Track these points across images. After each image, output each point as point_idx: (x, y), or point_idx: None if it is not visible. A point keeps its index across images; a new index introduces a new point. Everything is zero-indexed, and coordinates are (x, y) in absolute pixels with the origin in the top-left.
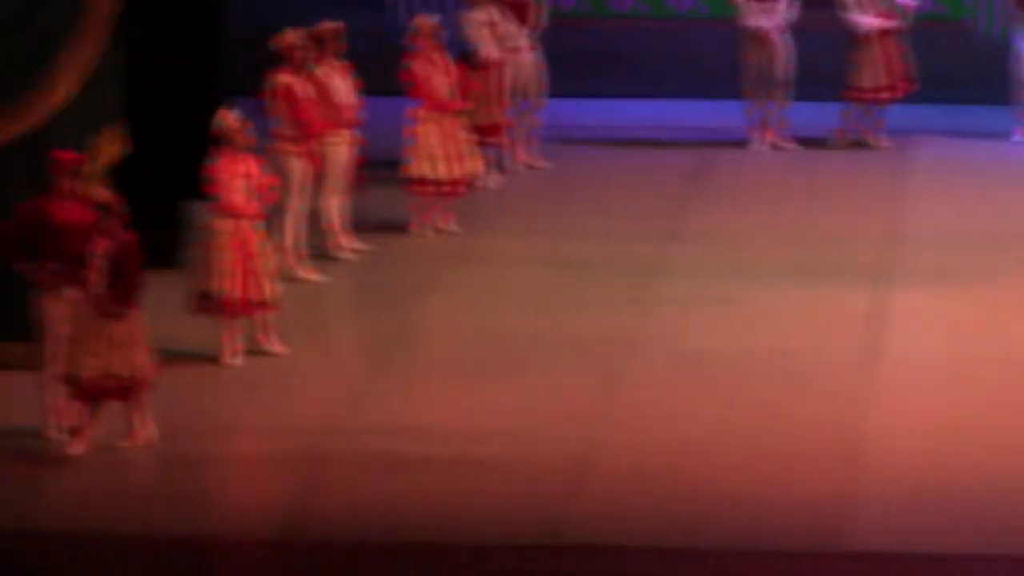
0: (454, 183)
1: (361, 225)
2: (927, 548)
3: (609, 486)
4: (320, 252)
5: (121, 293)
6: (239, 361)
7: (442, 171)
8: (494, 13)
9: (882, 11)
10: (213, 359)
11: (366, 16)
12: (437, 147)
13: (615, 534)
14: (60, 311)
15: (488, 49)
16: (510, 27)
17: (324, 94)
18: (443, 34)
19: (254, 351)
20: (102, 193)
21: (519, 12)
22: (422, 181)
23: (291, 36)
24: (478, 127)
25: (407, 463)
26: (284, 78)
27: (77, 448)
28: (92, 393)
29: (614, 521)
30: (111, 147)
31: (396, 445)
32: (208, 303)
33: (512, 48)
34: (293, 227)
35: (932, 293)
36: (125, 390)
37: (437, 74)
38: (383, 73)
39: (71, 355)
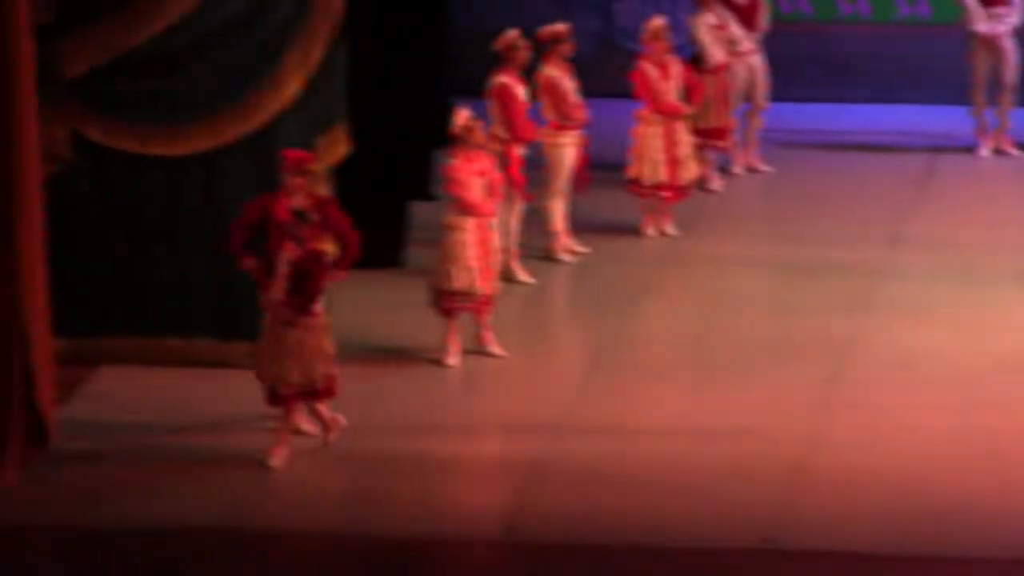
0: (673, 188)
1: (582, 227)
2: None
3: (826, 491)
4: (540, 254)
5: (298, 301)
6: (457, 361)
7: (662, 174)
8: (722, 16)
9: None
10: (432, 359)
11: (592, 19)
12: (659, 150)
13: (832, 539)
14: None
15: (716, 52)
16: (737, 30)
17: (556, 95)
18: (671, 36)
19: (472, 351)
20: (318, 194)
21: (746, 15)
22: (640, 183)
23: (511, 37)
24: (703, 130)
25: (624, 464)
26: (502, 78)
27: (276, 460)
28: (272, 399)
29: (830, 526)
30: (336, 147)
31: (613, 446)
32: (449, 301)
33: (739, 52)
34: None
35: None
36: (301, 397)
37: (664, 77)
38: (608, 76)
39: (257, 359)
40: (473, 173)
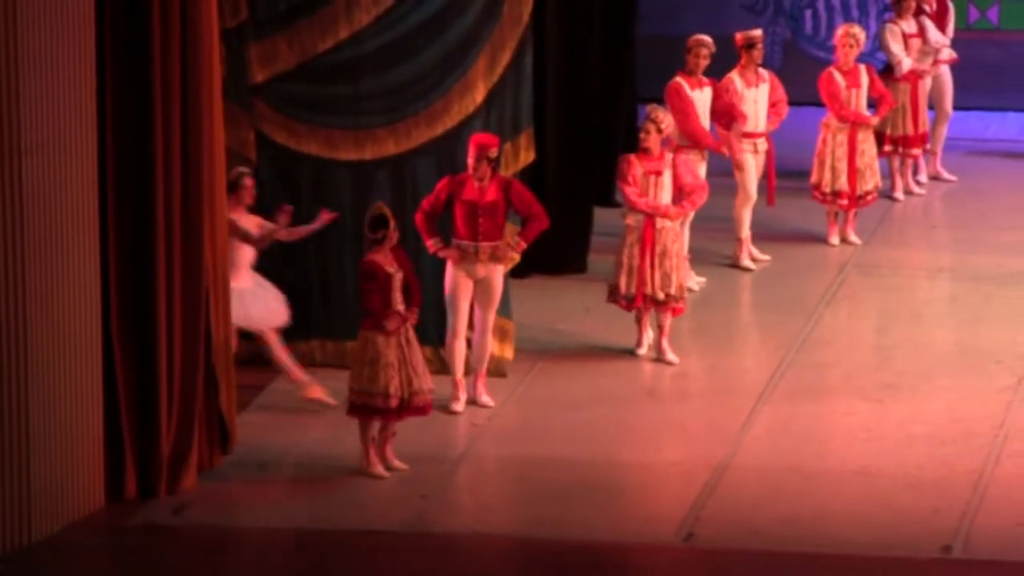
0: (853, 196)
1: (766, 234)
2: None
3: (1009, 503)
4: (724, 260)
5: (363, 312)
6: (646, 353)
7: (843, 182)
8: (919, 24)
9: None
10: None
11: (782, 26)
12: (841, 158)
13: (1016, 551)
14: (468, 285)
15: (907, 61)
16: (937, 37)
17: (730, 101)
18: (861, 44)
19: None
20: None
21: (938, 23)
22: (821, 190)
23: (692, 40)
24: (893, 138)
25: (803, 472)
26: (677, 81)
27: (376, 468)
28: (350, 409)
29: (1015, 538)
30: (522, 153)
31: (793, 455)
32: (619, 298)
33: (932, 61)
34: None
35: None
36: (377, 411)
37: (851, 85)
38: (795, 82)
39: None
40: (646, 172)
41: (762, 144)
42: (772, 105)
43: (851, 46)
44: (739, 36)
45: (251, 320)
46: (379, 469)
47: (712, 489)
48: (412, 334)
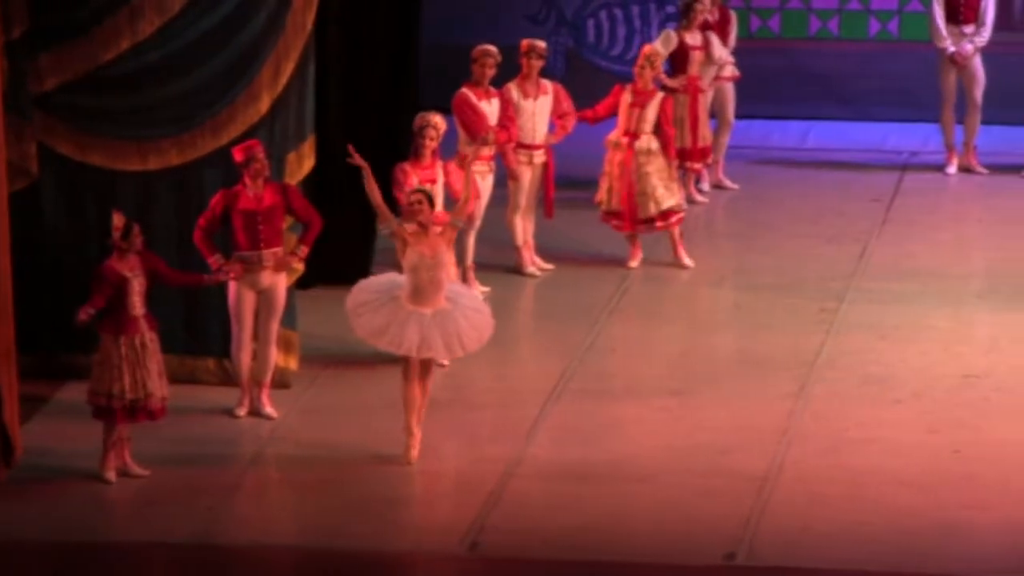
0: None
1: (550, 244)
2: None
3: (794, 507)
4: (508, 268)
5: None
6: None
7: (622, 205)
8: (702, 37)
9: None
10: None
11: (564, 36)
12: (618, 178)
13: (798, 556)
14: (251, 296)
15: (684, 75)
16: (720, 50)
17: (511, 111)
18: (662, 64)
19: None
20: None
21: (721, 32)
22: (607, 210)
23: (477, 51)
24: (680, 151)
25: (590, 479)
26: (464, 92)
27: (105, 472)
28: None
29: (796, 543)
30: (305, 162)
31: (581, 462)
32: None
33: (714, 76)
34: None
35: None
36: (102, 411)
37: (636, 104)
38: (577, 92)
39: None
40: (422, 180)
41: (539, 156)
42: (559, 117)
43: (651, 66)
44: (525, 44)
45: None
46: (108, 474)
47: (498, 497)
48: (151, 339)
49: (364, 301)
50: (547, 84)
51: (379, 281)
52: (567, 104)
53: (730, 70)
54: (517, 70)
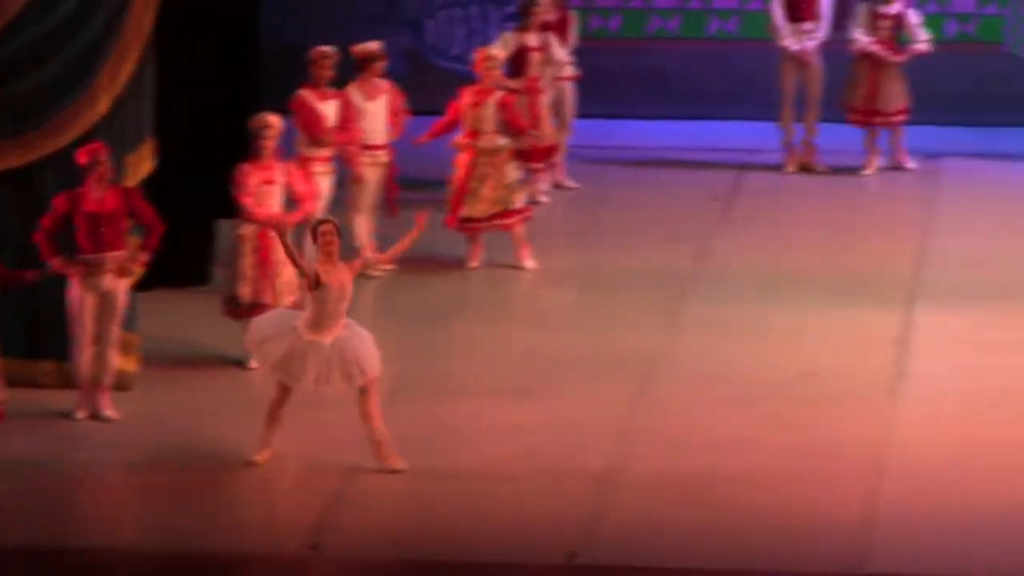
0: (490, 219)
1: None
2: (952, 571)
3: (634, 506)
4: None
5: None
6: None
7: (478, 209)
8: (541, 38)
9: (886, 37)
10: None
11: (404, 36)
12: (474, 179)
13: (639, 555)
14: (91, 299)
15: (523, 76)
16: (559, 51)
17: (351, 113)
18: (500, 64)
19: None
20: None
21: (555, 32)
22: (458, 216)
23: (315, 52)
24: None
25: (429, 478)
26: (303, 93)
27: None
28: None
29: (638, 542)
30: (144, 163)
31: (419, 460)
32: (235, 307)
33: (553, 76)
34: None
35: (959, 314)
36: None
37: (479, 103)
38: (418, 93)
39: None
40: (264, 182)
41: (382, 156)
42: (393, 115)
43: (492, 67)
44: (357, 50)
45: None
46: None
47: (340, 498)
48: None
49: (265, 336)
50: (385, 84)
51: (275, 315)
52: (400, 102)
53: (569, 70)
54: (359, 71)
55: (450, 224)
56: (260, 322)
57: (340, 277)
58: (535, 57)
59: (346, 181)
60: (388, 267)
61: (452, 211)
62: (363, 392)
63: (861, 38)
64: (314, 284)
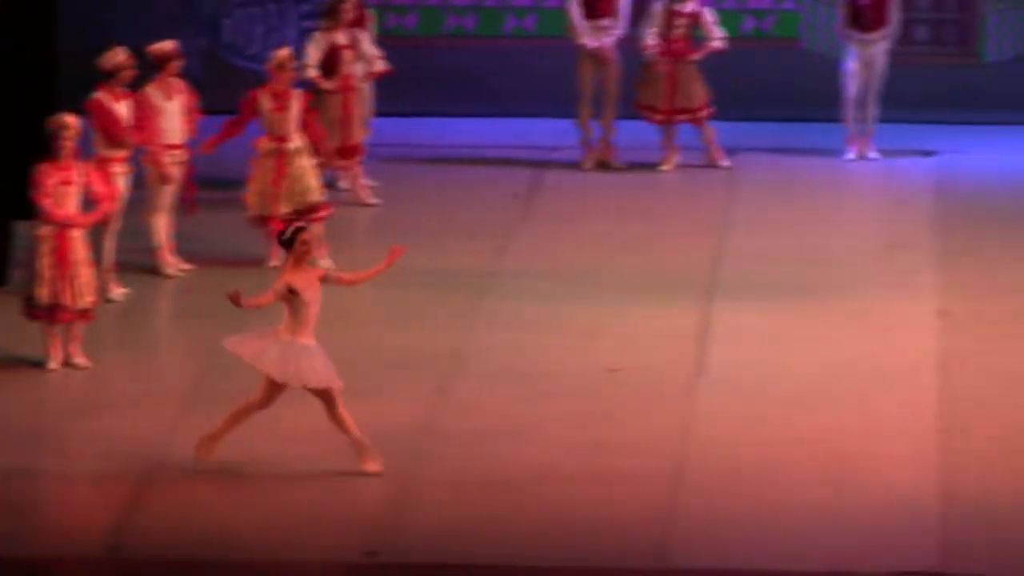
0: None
1: (190, 245)
2: (752, 564)
3: (433, 502)
4: (148, 268)
5: None
6: (56, 367)
7: (276, 208)
8: (350, 36)
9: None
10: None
11: (200, 35)
12: (273, 182)
13: (440, 552)
14: None
15: (337, 76)
16: (369, 48)
17: (149, 113)
18: (295, 64)
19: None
20: None
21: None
22: (258, 215)
23: (112, 54)
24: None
25: (234, 480)
26: (99, 95)
27: None
28: None
29: (437, 538)
30: None
31: (225, 461)
32: (33, 309)
33: (366, 73)
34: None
35: (756, 310)
36: None
37: (279, 108)
38: (215, 92)
39: None
40: (62, 182)
41: (180, 156)
42: (186, 115)
43: (287, 69)
44: (152, 50)
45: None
46: None
47: (139, 501)
48: None
49: (243, 338)
50: (180, 84)
51: (255, 333)
52: (192, 100)
53: (380, 64)
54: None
55: (252, 222)
56: (246, 339)
57: (312, 281)
58: (347, 55)
59: (143, 181)
60: (187, 267)
61: (253, 209)
62: (327, 402)
63: (650, 40)
64: (289, 293)
